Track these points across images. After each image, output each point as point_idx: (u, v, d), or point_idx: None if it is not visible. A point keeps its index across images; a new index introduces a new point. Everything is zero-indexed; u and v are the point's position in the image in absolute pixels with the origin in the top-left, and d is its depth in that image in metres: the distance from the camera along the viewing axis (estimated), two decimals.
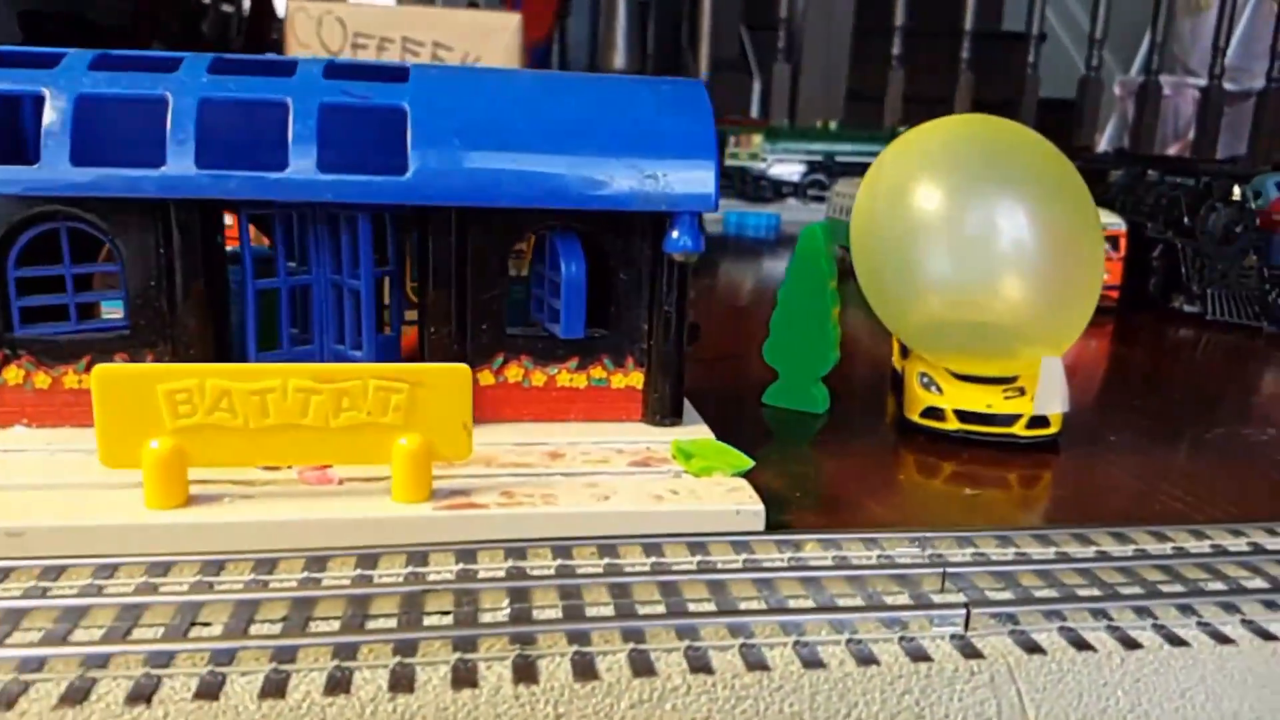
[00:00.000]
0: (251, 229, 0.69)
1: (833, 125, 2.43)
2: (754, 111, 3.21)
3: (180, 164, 0.58)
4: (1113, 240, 1.35)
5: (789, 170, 2.41)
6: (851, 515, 0.63)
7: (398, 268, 0.70)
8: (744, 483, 0.60)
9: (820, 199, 2.41)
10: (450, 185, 0.60)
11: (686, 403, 0.73)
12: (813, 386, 0.84)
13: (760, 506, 0.57)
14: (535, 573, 0.48)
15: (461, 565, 0.49)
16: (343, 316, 0.66)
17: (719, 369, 0.99)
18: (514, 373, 0.67)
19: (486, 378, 0.67)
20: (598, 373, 0.68)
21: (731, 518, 0.56)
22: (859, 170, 2.43)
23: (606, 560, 0.50)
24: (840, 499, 0.66)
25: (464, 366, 0.54)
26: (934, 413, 0.78)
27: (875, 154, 2.48)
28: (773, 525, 0.59)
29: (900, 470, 0.73)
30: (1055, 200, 0.73)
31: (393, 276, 0.69)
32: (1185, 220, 1.33)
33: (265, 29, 2.73)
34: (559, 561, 0.50)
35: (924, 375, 0.79)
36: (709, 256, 1.87)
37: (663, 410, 0.68)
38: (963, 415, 0.77)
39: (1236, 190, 1.30)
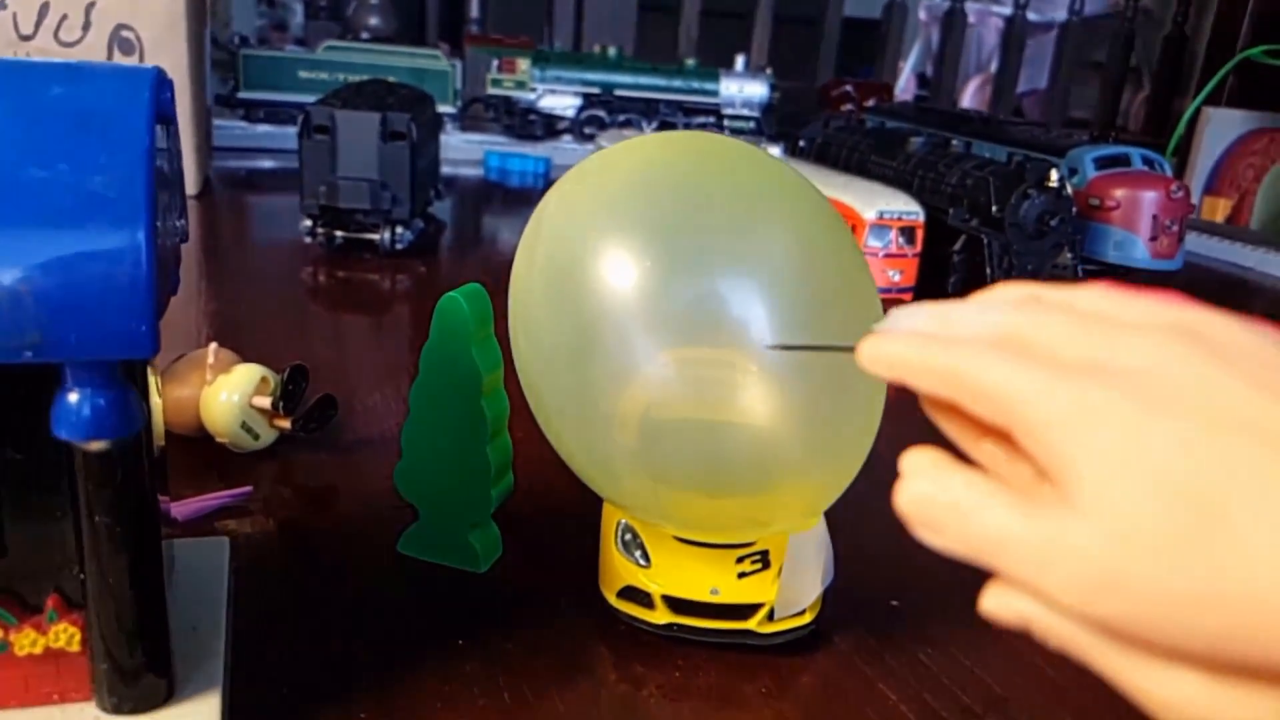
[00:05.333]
0: None
1: (612, 52, 2.11)
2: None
3: None
4: (908, 233, 1.11)
5: (562, 103, 2.08)
6: None
7: None
8: None
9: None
10: None
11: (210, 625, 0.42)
12: (469, 534, 0.55)
13: None
14: None
15: None
16: None
17: (369, 462, 0.68)
18: None
19: None
20: None
21: None
22: (639, 107, 2.13)
23: None
24: None
25: None
26: (637, 595, 0.50)
27: (660, 89, 2.17)
28: None
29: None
30: (814, 269, 0.46)
31: None
32: (994, 209, 1.11)
33: None
34: None
35: (625, 529, 0.51)
36: (465, 212, 1.54)
37: (124, 685, 0.37)
38: (676, 604, 0.49)
39: (1054, 174, 1.08)
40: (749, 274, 0.44)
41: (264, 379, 0.65)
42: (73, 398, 0.32)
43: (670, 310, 0.43)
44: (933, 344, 0.25)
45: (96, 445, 0.32)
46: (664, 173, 0.46)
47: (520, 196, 1.86)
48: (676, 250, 0.44)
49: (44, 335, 0.30)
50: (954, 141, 1.26)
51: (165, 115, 0.34)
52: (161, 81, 0.34)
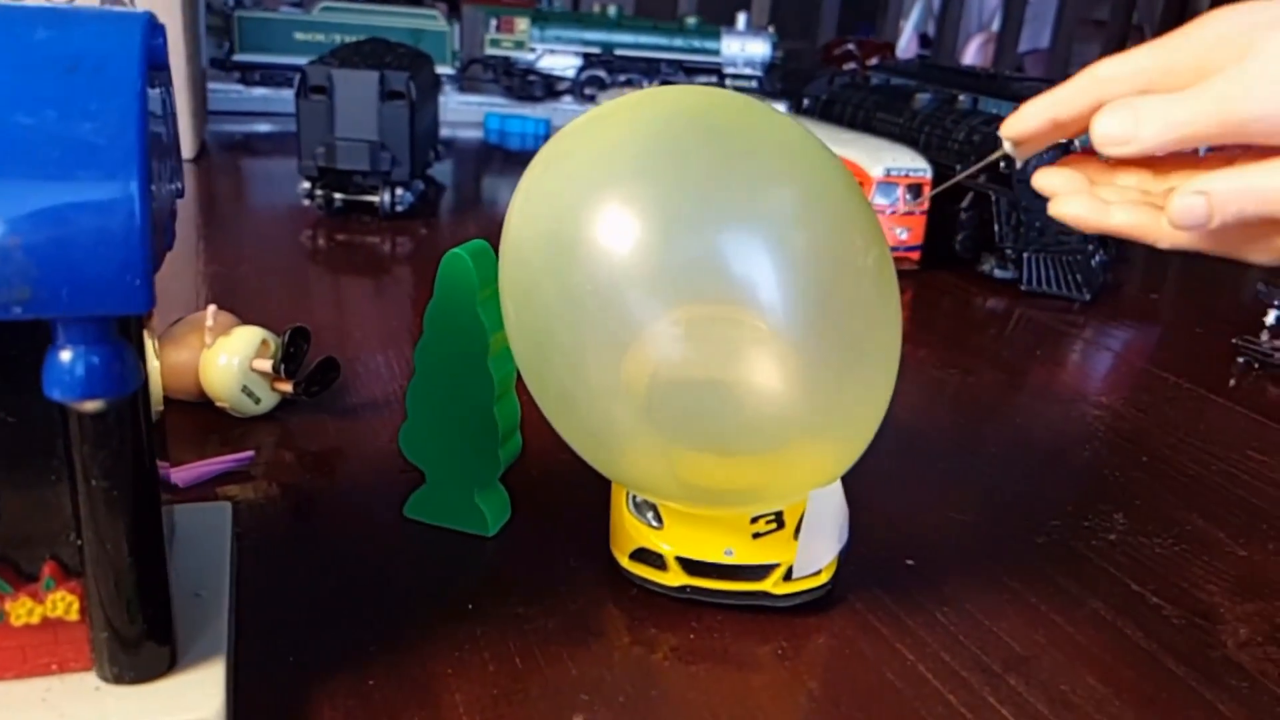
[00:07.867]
0: None
1: (611, 11, 2.07)
2: None
3: None
4: (914, 189, 1.09)
5: (562, 64, 2.05)
6: None
7: None
8: None
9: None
10: None
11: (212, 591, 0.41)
12: (476, 496, 0.54)
13: None
14: None
15: None
16: None
17: (372, 425, 0.67)
18: None
19: None
20: None
21: None
22: (640, 67, 2.10)
23: None
24: None
25: None
26: (649, 557, 0.49)
27: (661, 48, 2.14)
28: None
29: (567, 694, 0.44)
30: (822, 228, 0.45)
31: None
32: (1002, 165, 1.09)
33: None
34: None
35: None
36: (464, 174, 1.52)
37: (125, 654, 0.37)
38: (690, 565, 0.48)
39: None
40: (755, 229, 0.42)
41: (264, 341, 0.64)
42: (65, 356, 0.30)
43: (674, 266, 0.42)
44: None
45: (91, 405, 0.31)
46: (672, 123, 0.45)
47: (520, 158, 1.83)
48: (679, 204, 0.43)
49: (34, 290, 0.29)
50: (960, 98, 1.24)
51: (157, 62, 0.32)
52: (153, 26, 0.32)
